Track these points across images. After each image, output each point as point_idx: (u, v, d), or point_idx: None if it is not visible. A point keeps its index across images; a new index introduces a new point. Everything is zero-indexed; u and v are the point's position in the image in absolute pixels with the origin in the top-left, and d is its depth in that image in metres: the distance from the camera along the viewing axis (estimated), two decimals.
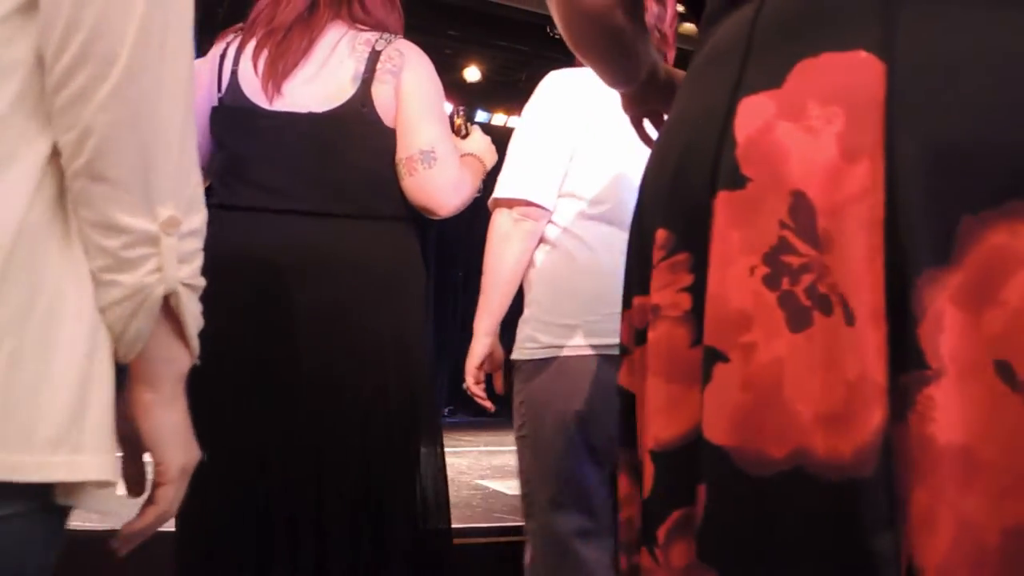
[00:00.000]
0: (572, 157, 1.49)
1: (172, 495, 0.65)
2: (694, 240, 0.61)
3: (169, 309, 0.61)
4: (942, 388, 0.51)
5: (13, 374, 0.52)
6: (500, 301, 1.53)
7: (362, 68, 1.34)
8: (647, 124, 1.02)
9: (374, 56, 1.35)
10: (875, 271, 0.52)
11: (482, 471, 3.47)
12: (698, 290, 0.60)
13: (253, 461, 1.25)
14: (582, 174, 1.49)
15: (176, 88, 0.57)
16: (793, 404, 0.54)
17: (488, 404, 1.58)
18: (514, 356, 1.55)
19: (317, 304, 1.27)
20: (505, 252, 1.49)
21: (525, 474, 1.57)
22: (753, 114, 0.58)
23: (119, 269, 0.57)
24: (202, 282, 0.63)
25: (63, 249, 0.56)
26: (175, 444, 0.65)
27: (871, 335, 0.52)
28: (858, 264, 0.52)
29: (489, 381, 1.62)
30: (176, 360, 0.64)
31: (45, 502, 0.56)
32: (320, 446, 1.27)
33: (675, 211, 0.64)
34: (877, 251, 0.52)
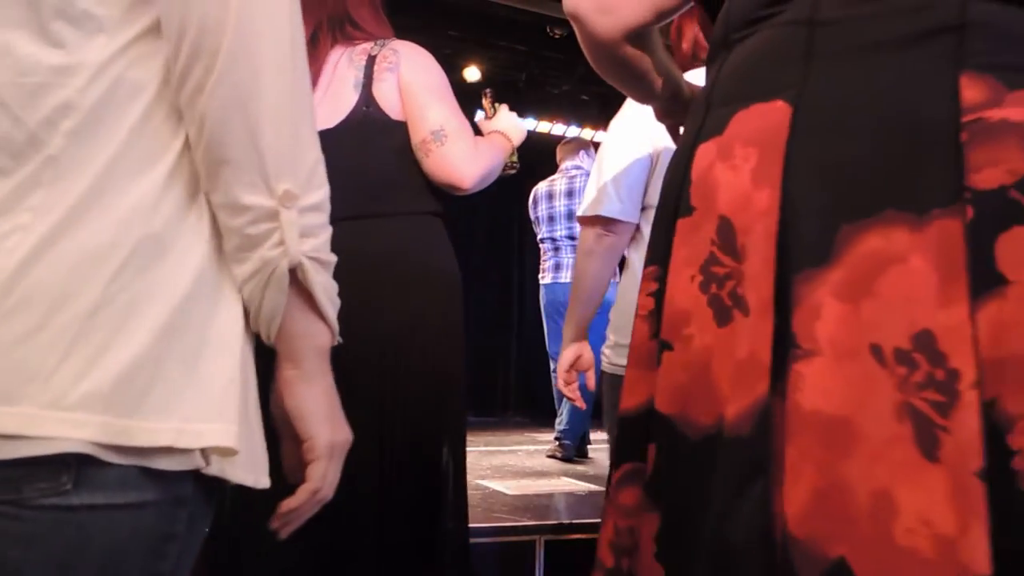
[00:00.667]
0: (654, 172, 1.55)
1: (322, 472, 0.65)
2: (662, 256, 0.77)
3: (298, 283, 0.63)
4: (813, 366, 0.61)
5: (162, 346, 0.56)
6: (583, 312, 1.64)
7: (361, 75, 1.38)
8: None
9: (371, 61, 1.39)
10: (768, 274, 0.64)
11: (482, 471, 3.47)
12: (659, 295, 0.77)
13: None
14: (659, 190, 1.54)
15: (280, 72, 0.59)
16: (718, 382, 0.67)
17: (579, 402, 1.72)
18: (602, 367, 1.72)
19: (353, 305, 1.28)
20: (588, 267, 1.61)
21: None
22: (702, 157, 0.74)
23: (248, 247, 0.60)
24: (332, 257, 0.65)
25: (196, 233, 0.60)
26: (319, 419, 0.66)
27: (760, 324, 0.64)
28: (756, 269, 0.65)
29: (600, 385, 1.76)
30: (313, 335, 0.65)
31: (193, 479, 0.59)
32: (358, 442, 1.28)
33: (655, 233, 0.81)
34: (770, 258, 0.64)
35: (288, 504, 0.66)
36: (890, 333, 0.59)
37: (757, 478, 0.61)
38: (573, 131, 6.03)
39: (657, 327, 0.75)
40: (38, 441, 0.52)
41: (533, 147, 4.62)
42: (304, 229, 0.61)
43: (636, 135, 1.56)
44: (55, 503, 0.53)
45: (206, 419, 0.57)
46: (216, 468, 0.59)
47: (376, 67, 1.40)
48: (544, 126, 5.86)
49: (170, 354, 0.57)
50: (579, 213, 1.63)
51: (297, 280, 0.62)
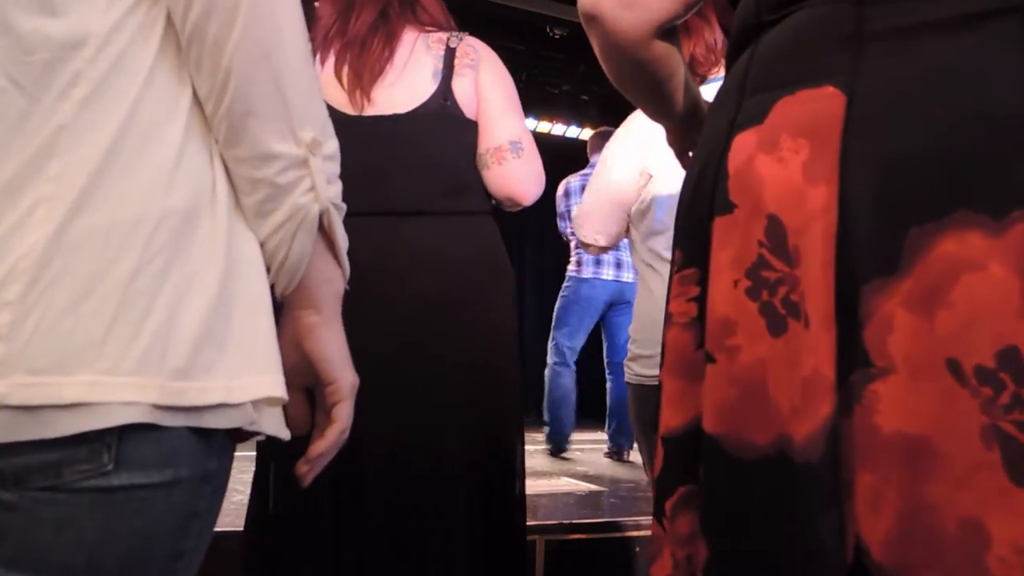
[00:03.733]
0: (650, 191, 1.60)
1: (347, 411, 0.68)
2: (698, 257, 0.70)
3: (323, 230, 0.65)
4: (888, 384, 0.57)
5: (203, 305, 0.57)
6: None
7: (440, 65, 1.36)
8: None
9: (450, 53, 1.37)
10: (827, 281, 0.59)
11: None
12: (702, 300, 0.69)
13: (359, 455, 1.26)
14: (658, 210, 1.59)
15: (294, 22, 0.61)
16: (775, 398, 0.61)
17: None
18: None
19: (419, 302, 1.29)
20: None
21: None
22: (741, 149, 0.67)
23: (279, 195, 0.61)
24: (344, 206, 0.67)
25: (217, 190, 0.60)
26: (344, 361, 0.68)
27: (823, 337, 0.59)
28: (815, 275, 0.60)
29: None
30: (334, 280, 0.68)
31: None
32: (411, 442, 1.28)
33: (687, 233, 0.74)
34: (829, 264, 0.59)
35: (317, 448, 0.67)
36: (969, 348, 0.54)
37: (832, 508, 0.57)
38: (573, 131, 6.03)
39: (702, 336, 0.68)
40: (100, 409, 0.52)
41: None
42: (328, 176, 0.64)
43: (630, 156, 1.62)
44: (95, 484, 0.53)
45: (253, 372, 0.59)
46: (263, 424, 0.60)
47: (457, 61, 1.37)
48: (544, 126, 5.86)
49: (211, 312, 0.57)
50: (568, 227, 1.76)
51: (322, 226, 0.64)
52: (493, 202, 1.43)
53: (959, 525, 0.54)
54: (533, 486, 3.13)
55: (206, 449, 0.58)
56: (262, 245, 0.63)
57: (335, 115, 1.31)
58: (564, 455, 3.96)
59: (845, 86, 0.61)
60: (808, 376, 0.58)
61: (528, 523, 2.40)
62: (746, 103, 0.68)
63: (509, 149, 1.38)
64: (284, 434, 0.63)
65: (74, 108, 0.55)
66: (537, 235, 6.85)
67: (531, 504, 2.74)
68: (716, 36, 1.61)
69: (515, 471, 1.38)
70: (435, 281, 1.31)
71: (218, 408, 0.57)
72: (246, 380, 0.58)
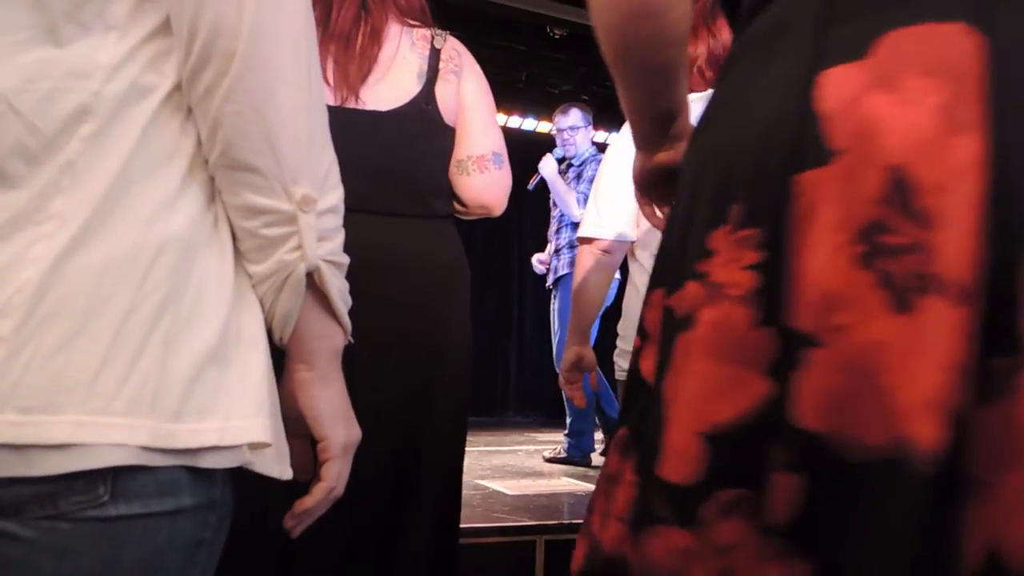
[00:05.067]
0: None
1: (337, 471, 0.66)
2: (767, 216, 0.58)
3: (315, 286, 0.63)
4: None
5: (198, 345, 0.56)
6: (584, 320, 1.78)
7: (425, 66, 1.35)
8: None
9: (435, 54, 1.37)
10: (975, 250, 0.50)
11: (482, 471, 3.47)
12: (770, 269, 0.57)
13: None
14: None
15: (296, 75, 0.59)
16: (894, 390, 0.51)
17: (579, 400, 1.86)
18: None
19: (381, 305, 1.29)
20: (588, 281, 1.74)
21: None
22: (838, 86, 0.55)
23: (265, 248, 0.60)
24: (346, 259, 0.66)
25: (216, 230, 0.60)
26: (335, 419, 0.67)
27: (966, 316, 0.50)
28: (958, 243, 0.50)
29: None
30: (328, 336, 0.66)
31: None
32: (377, 444, 1.29)
33: (749, 185, 0.60)
34: (977, 229, 0.50)
35: (303, 504, 0.66)
36: None
37: (954, 512, 0.51)
38: None
39: (770, 311, 0.57)
40: (88, 450, 0.51)
41: (533, 147, 4.62)
42: (322, 232, 0.62)
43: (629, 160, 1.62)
44: (93, 515, 0.52)
45: (248, 414, 0.58)
46: (256, 463, 0.60)
47: (442, 65, 1.37)
48: (544, 126, 5.85)
49: (207, 352, 0.56)
50: (578, 234, 1.77)
51: (314, 283, 0.63)
52: (460, 208, 1.44)
53: None
54: (533, 486, 3.12)
55: (208, 479, 0.58)
56: (254, 290, 0.62)
57: None
58: (564, 455, 3.96)
59: (979, 23, 0.52)
60: (944, 363, 0.50)
61: (528, 523, 2.41)
62: (835, 33, 0.58)
63: (491, 160, 1.39)
64: (286, 473, 0.62)
65: (80, 146, 0.54)
66: (539, 235, 6.86)
67: (531, 504, 2.74)
68: (718, 48, 1.62)
69: (460, 470, 1.42)
70: (408, 282, 1.32)
71: (211, 450, 0.56)
72: (239, 422, 0.57)
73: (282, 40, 0.58)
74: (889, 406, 0.51)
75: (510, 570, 2.31)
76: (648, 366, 0.70)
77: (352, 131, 1.30)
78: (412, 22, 1.39)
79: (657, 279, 0.72)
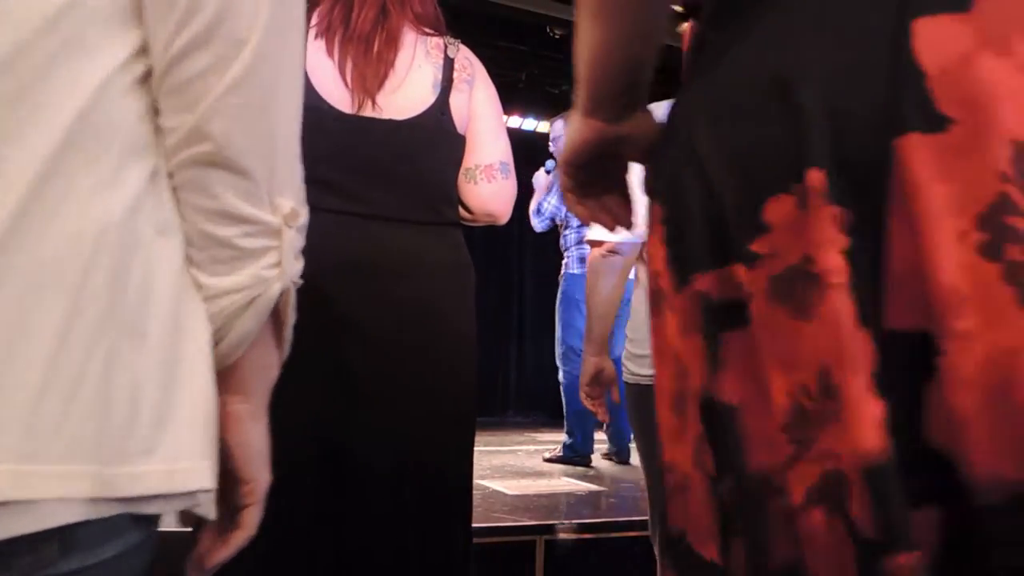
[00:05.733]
0: None
1: (256, 517, 0.60)
2: (856, 192, 0.47)
3: (275, 310, 0.56)
4: None
5: (139, 374, 0.48)
6: (599, 328, 1.71)
7: (440, 75, 1.37)
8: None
9: (449, 63, 1.39)
10: None
11: (482, 471, 3.47)
12: (863, 255, 0.47)
13: (326, 456, 1.28)
14: None
15: (295, 78, 0.55)
16: None
17: (602, 416, 1.78)
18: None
19: (402, 309, 1.31)
20: (597, 286, 1.69)
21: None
22: (942, 40, 0.47)
23: (237, 260, 0.53)
24: (299, 282, 0.59)
25: (163, 236, 0.52)
26: (264, 461, 0.60)
27: None
28: None
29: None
30: (271, 368, 0.60)
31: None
32: (393, 449, 1.30)
33: (828, 155, 0.48)
34: None
35: (219, 555, 0.59)
36: None
37: None
38: None
39: (869, 307, 0.47)
40: (30, 509, 0.43)
41: (534, 147, 4.61)
42: (296, 251, 0.56)
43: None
44: (47, 574, 0.46)
45: (192, 456, 0.51)
46: (200, 507, 0.53)
47: (456, 75, 1.39)
48: (544, 126, 5.86)
49: (153, 379, 0.49)
50: (587, 237, 1.74)
51: (275, 306, 0.56)
52: (467, 215, 1.46)
53: None
54: (533, 486, 3.12)
55: (149, 520, 0.52)
56: (206, 307, 0.54)
57: (333, 112, 1.31)
58: (562, 456, 3.96)
59: None
60: None
61: (528, 523, 2.40)
62: None
63: (499, 169, 1.41)
64: (212, 514, 0.55)
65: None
66: (538, 236, 6.85)
67: (531, 504, 2.74)
68: None
69: (470, 476, 1.42)
70: (417, 288, 1.34)
71: (156, 497, 0.49)
72: (188, 464, 0.51)
73: (290, 41, 0.54)
74: None
75: (510, 570, 2.31)
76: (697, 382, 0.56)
77: (369, 139, 1.32)
78: (427, 30, 1.41)
79: (685, 266, 0.58)
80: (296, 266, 0.57)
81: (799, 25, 0.51)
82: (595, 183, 0.77)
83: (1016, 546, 0.43)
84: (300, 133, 0.57)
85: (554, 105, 5.90)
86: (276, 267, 0.55)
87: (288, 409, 1.29)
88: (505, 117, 6.86)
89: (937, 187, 0.45)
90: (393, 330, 1.30)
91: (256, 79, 0.51)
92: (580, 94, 0.70)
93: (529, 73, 5.43)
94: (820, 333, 0.47)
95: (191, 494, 0.51)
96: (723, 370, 0.53)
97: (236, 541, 0.59)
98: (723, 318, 0.53)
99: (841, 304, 0.46)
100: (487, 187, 1.41)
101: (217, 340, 0.54)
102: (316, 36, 1.35)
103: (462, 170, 1.41)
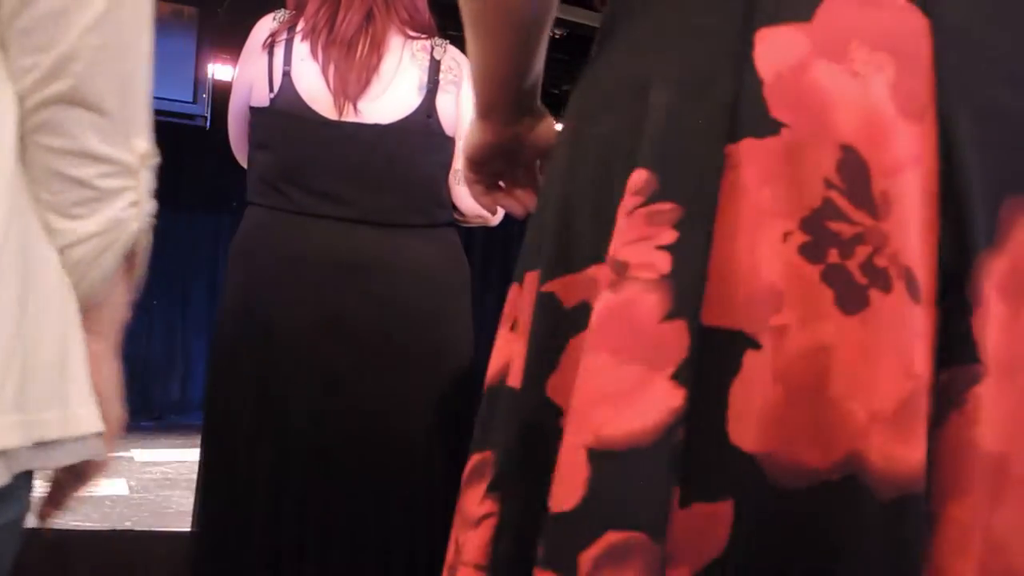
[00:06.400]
0: None
1: (107, 453, 0.59)
2: (687, 189, 0.49)
3: (131, 250, 0.57)
4: (986, 386, 0.44)
5: (25, 320, 0.48)
6: None
7: (426, 77, 1.38)
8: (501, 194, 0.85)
9: (435, 65, 1.39)
10: (930, 247, 0.45)
11: None
12: (684, 251, 0.48)
13: (318, 458, 1.29)
14: None
15: (149, 21, 0.55)
16: (844, 402, 0.45)
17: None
18: None
19: (386, 312, 1.32)
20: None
21: None
22: (780, 48, 0.48)
23: (95, 201, 0.53)
24: (153, 222, 0.60)
25: (17, 180, 0.51)
26: (118, 398, 0.60)
27: (924, 317, 0.44)
28: (914, 234, 0.45)
29: None
30: (123, 306, 0.60)
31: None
32: (385, 453, 1.31)
33: (664, 152, 0.50)
34: (931, 225, 0.45)
35: (72, 489, 0.60)
36: None
37: (922, 557, 0.44)
38: None
39: (677, 303, 0.47)
40: None
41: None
42: (151, 192, 0.57)
43: None
44: None
45: (83, 401, 0.52)
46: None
47: (442, 76, 1.39)
48: None
49: (35, 329, 0.49)
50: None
51: (131, 246, 0.57)
52: (457, 216, 1.46)
53: None
54: None
55: (28, 482, 0.53)
56: (65, 253, 0.53)
57: (318, 118, 1.31)
58: None
59: (921, 4, 0.48)
60: (913, 369, 0.44)
61: None
62: None
63: None
64: (105, 454, 0.57)
65: None
66: None
67: None
68: None
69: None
70: (412, 292, 1.34)
71: (56, 444, 0.50)
72: (79, 410, 0.51)
73: None
74: (837, 421, 0.44)
75: None
76: (513, 365, 0.57)
77: (356, 144, 1.33)
78: (413, 34, 1.41)
79: (528, 260, 0.60)
80: (149, 205, 0.57)
81: (665, 33, 0.54)
82: (502, 176, 0.81)
83: (815, 529, 0.44)
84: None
85: (555, 105, 5.90)
86: (134, 207, 0.55)
87: (278, 411, 1.30)
88: None
89: (763, 190, 0.47)
90: (385, 333, 1.31)
91: (115, 19, 0.51)
92: (475, 100, 0.74)
93: None
94: (604, 322, 0.49)
95: (84, 439, 0.52)
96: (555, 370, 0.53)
97: (90, 475, 0.59)
98: (571, 319, 0.53)
99: (635, 297, 0.47)
100: None
101: (77, 282, 0.54)
102: (302, 39, 1.36)
103: (451, 172, 1.41)
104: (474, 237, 6.33)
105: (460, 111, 1.41)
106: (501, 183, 0.83)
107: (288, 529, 1.26)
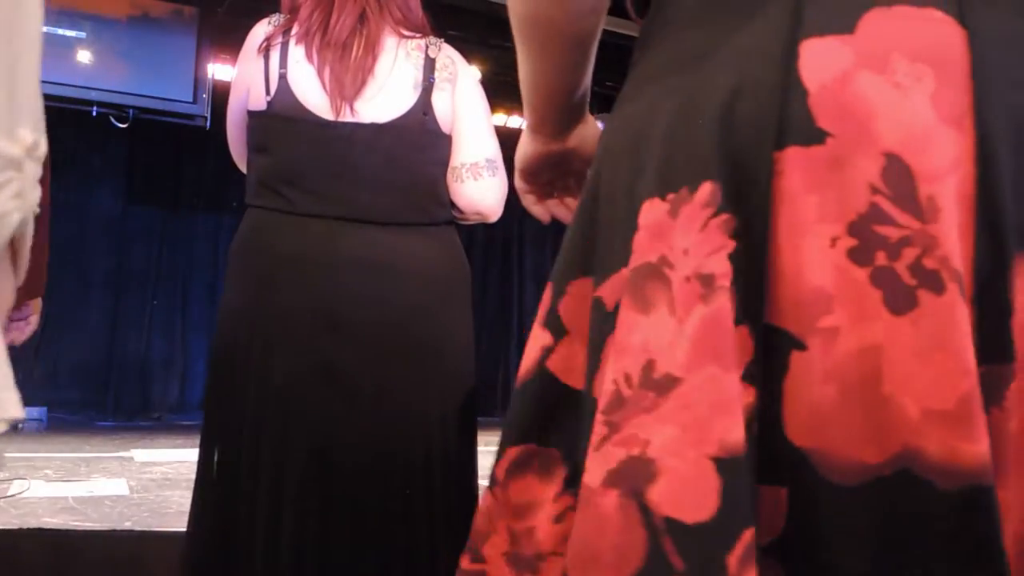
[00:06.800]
0: None
1: None
2: (741, 200, 0.51)
3: (14, 240, 0.55)
4: (1021, 383, 0.46)
5: None
6: None
7: (421, 76, 1.37)
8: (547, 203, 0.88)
9: (430, 63, 1.39)
10: (966, 251, 0.47)
11: (482, 471, 3.46)
12: (743, 259, 0.50)
13: (317, 457, 1.28)
14: None
15: (38, 8, 0.53)
16: (897, 398, 0.46)
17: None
18: None
19: (386, 313, 1.31)
20: None
21: None
22: (824, 59, 0.50)
23: None
24: (39, 210, 0.58)
25: None
26: (7, 388, 0.57)
27: (969, 317, 0.46)
28: (958, 238, 0.47)
29: None
30: (7, 298, 0.58)
31: None
32: (384, 451, 1.30)
33: (713, 161, 0.52)
34: (968, 229, 0.47)
35: None
36: None
37: (1002, 547, 0.45)
38: None
39: (748, 306, 0.50)
40: None
41: None
42: (36, 182, 0.55)
43: None
44: None
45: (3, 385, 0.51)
46: None
47: (437, 73, 1.39)
48: None
49: None
50: None
51: (14, 237, 0.55)
52: (455, 214, 1.46)
53: None
54: None
55: None
56: None
57: (315, 119, 1.31)
58: None
59: (956, 15, 0.50)
60: (969, 367, 0.45)
61: None
62: (815, 3, 0.52)
63: (485, 167, 1.41)
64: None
65: None
66: (537, 235, 6.86)
67: None
68: None
69: (473, 477, 1.41)
70: (411, 291, 1.34)
71: None
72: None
73: None
74: (891, 418, 0.46)
75: None
76: (571, 366, 0.60)
77: (353, 144, 1.33)
78: (407, 33, 1.41)
79: (573, 265, 0.62)
80: (35, 195, 0.55)
81: (712, 44, 0.55)
82: (554, 185, 0.85)
83: (872, 522, 0.46)
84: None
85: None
86: (17, 198, 0.53)
87: (277, 411, 1.29)
88: (505, 117, 6.87)
89: (810, 197, 0.49)
90: (384, 332, 1.30)
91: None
92: (525, 113, 0.78)
93: None
94: (653, 326, 0.51)
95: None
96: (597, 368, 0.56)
97: None
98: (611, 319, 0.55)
99: (723, 304, 0.49)
100: (473, 185, 1.40)
101: None
102: (296, 42, 1.36)
103: (449, 169, 1.41)
104: (474, 237, 6.34)
105: (457, 109, 1.41)
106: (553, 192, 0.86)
107: (287, 529, 1.26)
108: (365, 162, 1.33)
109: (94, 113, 5.03)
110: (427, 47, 1.41)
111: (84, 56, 4.80)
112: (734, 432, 0.48)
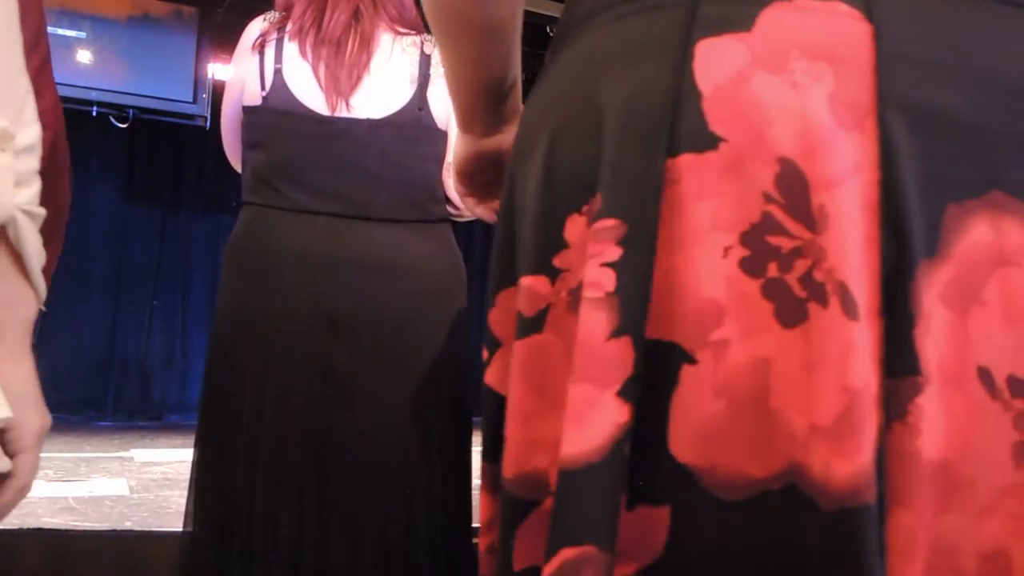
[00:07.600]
0: None
1: (31, 465, 0.57)
2: (631, 206, 0.49)
3: (7, 242, 0.52)
4: (927, 397, 0.44)
5: None
6: None
7: (416, 72, 1.37)
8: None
9: (425, 59, 1.39)
10: (872, 259, 0.45)
11: (478, 470, 3.46)
12: (627, 268, 0.48)
13: (315, 457, 1.29)
14: None
15: None
16: (784, 413, 0.45)
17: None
18: None
19: (385, 311, 1.32)
20: None
21: None
22: (719, 59, 0.48)
23: None
24: (43, 211, 0.54)
25: None
26: (27, 405, 0.56)
27: (871, 333, 0.44)
28: (854, 248, 0.45)
29: None
30: (19, 304, 0.55)
31: None
32: (382, 450, 1.30)
33: (610, 167, 0.50)
34: (873, 237, 0.45)
35: None
36: (1003, 356, 0.45)
37: (880, 567, 0.43)
38: None
39: (621, 320, 0.48)
40: None
41: None
42: (19, 176, 0.51)
43: None
44: None
45: None
46: None
47: (432, 69, 1.40)
48: None
49: None
50: None
51: (6, 238, 0.52)
52: (451, 210, 1.46)
53: (980, 562, 0.45)
54: None
55: None
56: None
57: (311, 114, 1.31)
58: None
59: (864, 10, 0.47)
60: (859, 388, 0.43)
61: None
62: (707, 2, 0.50)
63: None
64: (3, 465, 0.53)
65: None
66: None
67: None
68: None
69: (469, 476, 1.41)
70: (406, 288, 1.34)
71: None
72: None
73: None
74: (778, 432, 0.45)
75: None
76: (506, 377, 0.58)
77: (349, 139, 1.33)
78: (402, 30, 1.41)
79: (501, 278, 0.60)
80: (23, 193, 0.52)
81: (612, 45, 0.54)
82: (493, 185, 0.81)
83: (757, 538, 0.45)
84: (20, 44, 0.51)
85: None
86: None
87: (274, 408, 1.29)
88: None
89: (703, 204, 0.47)
90: (381, 329, 1.31)
91: None
92: (455, 113, 0.75)
93: (529, 73, 5.42)
94: (560, 341, 0.51)
95: None
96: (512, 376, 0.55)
97: (8, 492, 0.56)
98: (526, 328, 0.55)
99: (590, 314, 0.48)
100: None
101: None
102: (291, 39, 1.36)
103: (444, 164, 1.41)
104: (474, 237, 6.33)
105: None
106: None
107: (284, 529, 1.26)
108: (361, 158, 1.33)
109: (94, 113, 5.03)
110: (423, 43, 1.41)
111: (84, 56, 4.81)
112: (573, 444, 0.47)
